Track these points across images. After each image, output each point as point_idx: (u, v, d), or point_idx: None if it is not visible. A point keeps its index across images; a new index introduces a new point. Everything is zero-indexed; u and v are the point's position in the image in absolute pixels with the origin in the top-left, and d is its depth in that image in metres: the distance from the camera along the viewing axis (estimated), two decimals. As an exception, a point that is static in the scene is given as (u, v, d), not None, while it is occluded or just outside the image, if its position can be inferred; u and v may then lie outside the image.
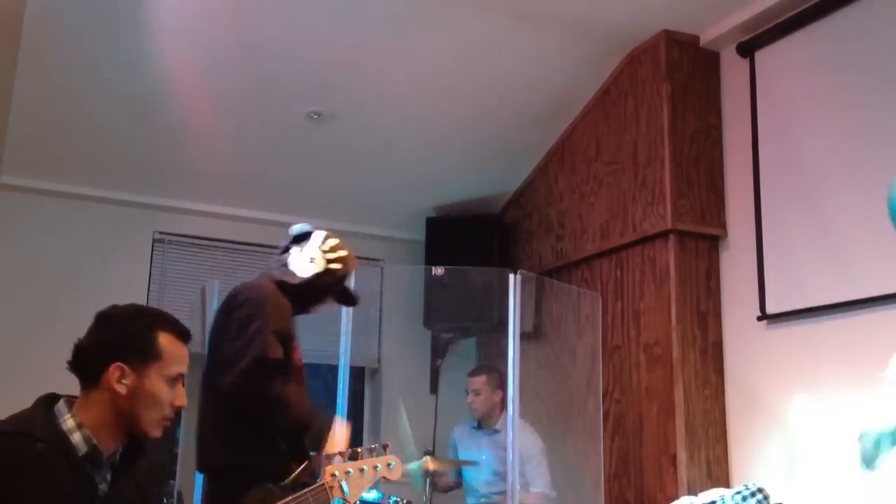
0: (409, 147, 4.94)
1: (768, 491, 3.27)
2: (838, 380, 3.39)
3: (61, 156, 4.68)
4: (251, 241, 5.26)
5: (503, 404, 4.19)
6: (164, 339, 1.81)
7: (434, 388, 5.37)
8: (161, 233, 5.09)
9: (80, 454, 1.71)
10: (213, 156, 4.80)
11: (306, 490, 2.01)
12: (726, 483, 3.78)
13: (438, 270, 4.98)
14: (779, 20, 3.81)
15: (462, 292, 4.95)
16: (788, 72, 3.81)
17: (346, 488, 2.05)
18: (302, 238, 2.98)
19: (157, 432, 1.81)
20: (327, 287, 2.94)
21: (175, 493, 4.25)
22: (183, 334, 1.85)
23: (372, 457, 2.16)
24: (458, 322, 5.13)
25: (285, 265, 2.93)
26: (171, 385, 1.80)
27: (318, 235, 2.97)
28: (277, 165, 4.98)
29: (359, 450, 2.14)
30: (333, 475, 2.05)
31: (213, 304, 3.98)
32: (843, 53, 3.57)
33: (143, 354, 1.77)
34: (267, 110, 4.57)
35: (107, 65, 4.12)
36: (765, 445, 3.73)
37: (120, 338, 1.78)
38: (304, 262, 2.91)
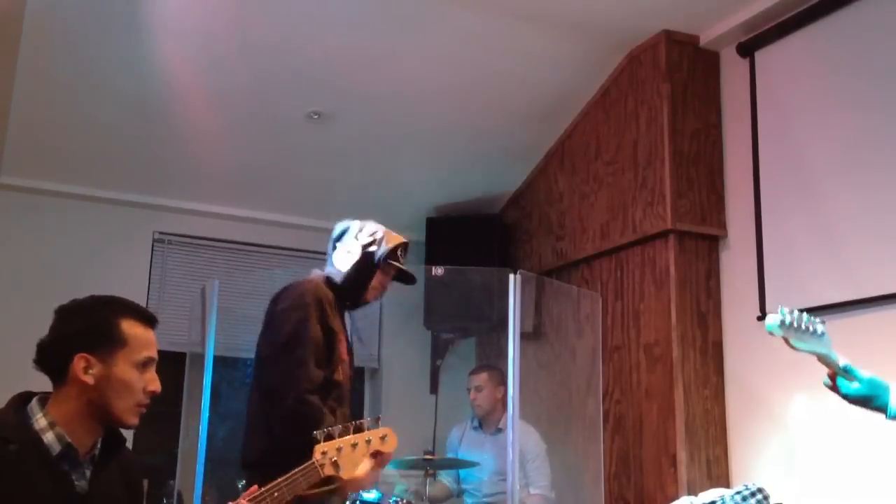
0: (409, 147, 4.94)
1: (768, 491, 3.27)
2: (838, 380, 3.39)
3: (61, 156, 4.68)
4: (251, 241, 5.26)
5: (505, 403, 4.19)
6: (128, 325, 1.78)
7: (434, 388, 5.37)
8: (161, 233, 5.09)
9: (53, 454, 1.69)
10: (213, 156, 4.81)
11: (296, 470, 1.91)
12: (726, 483, 3.78)
13: (438, 270, 4.98)
14: (779, 20, 3.81)
15: (462, 292, 4.95)
16: (788, 72, 3.81)
17: (338, 465, 1.97)
18: (342, 235, 3.07)
19: (133, 420, 1.77)
20: (370, 271, 3.01)
21: (175, 493, 4.25)
22: (147, 319, 1.83)
23: (364, 431, 2.08)
24: (458, 322, 5.14)
25: (330, 264, 3.04)
26: (141, 370, 1.77)
27: (353, 226, 3.06)
28: (277, 165, 4.98)
29: (350, 425, 2.06)
30: (324, 453, 1.96)
31: (214, 304, 3.98)
32: (843, 53, 3.57)
33: (106, 342, 1.74)
34: (267, 110, 4.57)
35: (107, 65, 4.12)
36: (765, 445, 3.73)
37: (81, 329, 1.75)
38: (344, 256, 3.01)
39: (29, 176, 4.75)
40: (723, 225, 4.09)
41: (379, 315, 5.50)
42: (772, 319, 1.86)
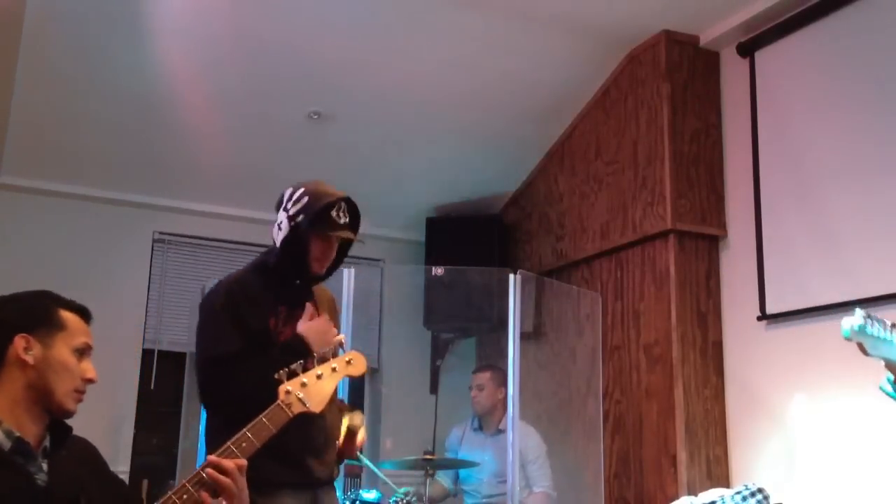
0: (409, 147, 4.94)
1: (768, 491, 3.27)
2: (838, 380, 3.39)
3: (61, 156, 4.68)
4: (251, 241, 5.25)
5: (505, 404, 4.18)
6: (65, 314, 1.80)
7: (434, 388, 5.37)
8: (161, 233, 5.09)
9: (5, 450, 1.67)
10: (213, 156, 4.81)
11: (261, 416, 1.81)
12: (726, 483, 3.78)
13: (438, 270, 4.98)
14: (779, 20, 3.82)
15: (462, 292, 4.95)
16: (788, 72, 3.81)
17: (306, 401, 1.86)
18: (277, 207, 2.67)
19: (72, 405, 1.76)
20: (301, 244, 2.58)
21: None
22: (83, 312, 1.84)
23: (328, 360, 1.95)
24: (458, 322, 5.13)
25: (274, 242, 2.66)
26: (78, 357, 1.78)
27: (285, 195, 2.64)
28: (277, 165, 4.97)
29: (313, 357, 1.94)
30: (288, 392, 1.85)
31: (213, 304, 3.98)
32: (843, 53, 3.57)
33: (47, 325, 1.76)
34: (267, 110, 4.57)
35: (107, 65, 4.12)
36: (765, 445, 3.73)
37: (21, 313, 1.77)
38: (276, 232, 2.62)
39: (29, 176, 4.75)
40: (723, 225, 4.09)
41: (379, 315, 5.50)
42: (848, 324, 1.83)
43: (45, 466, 1.73)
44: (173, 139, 4.62)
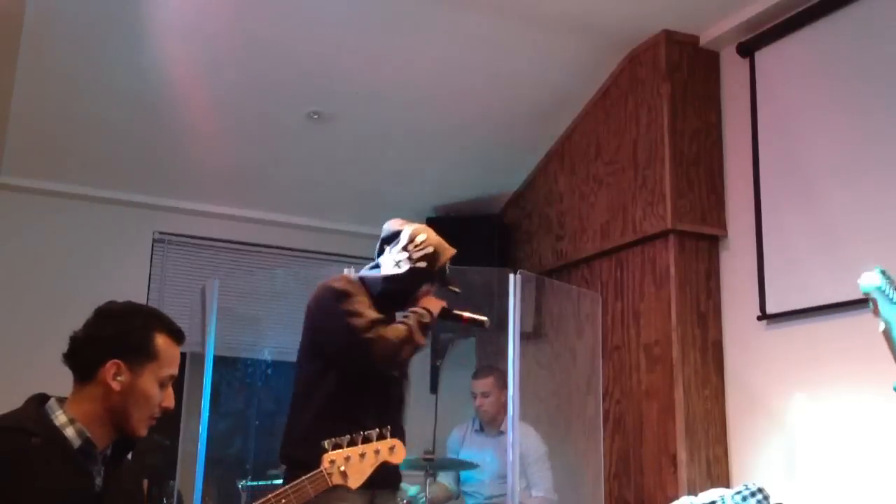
0: (409, 147, 4.94)
1: (768, 491, 3.27)
2: (838, 380, 3.39)
3: (61, 156, 4.68)
4: (251, 241, 5.26)
5: (507, 405, 4.17)
6: (161, 341, 1.83)
7: (434, 388, 5.35)
8: (161, 233, 5.10)
9: (74, 447, 1.73)
10: (214, 156, 4.81)
11: (303, 478, 1.95)
12: (726, 483, 3.78)
13: (439, 271, 4.97)
14: (779, 20, 3.82)
15: (462, 292, 4.94)
16: (788, 72, 3.81)
17: (347, 475, 2.01)
18: (391, 238, 2.93)
19: (144, 431, 1.83)
20: (416, 285, 2.90)
21: (175, 494, 4.25)
22: (178, 336, 1.87)
23: (372, 441, 2.10)
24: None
25: (377, 266, 2.91)
26: (161, 386, 1.83)
27: (405, 233, 2.90)
28: (277, 165, 4.98)
29: (359, 434, 2.09)
30: (332, 462, 2.00)
31: (214, 304, 3.98)
32: (842, 54, 3.57)
33: (140, 353, 1.79)
34: (267, 110, 4.57)
35: (107, 65, 4.13)
36: (765, 445, 3.73)
37: (119, 335, 1.79)
38: (391, 265, 2.86)
39: (29, 176, 4.75)
40: (723, 225, 4.09)
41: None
42: (867, 280, 1.83)
43: (102, 472, 1.79)
44: (173, 139, 4.62)
